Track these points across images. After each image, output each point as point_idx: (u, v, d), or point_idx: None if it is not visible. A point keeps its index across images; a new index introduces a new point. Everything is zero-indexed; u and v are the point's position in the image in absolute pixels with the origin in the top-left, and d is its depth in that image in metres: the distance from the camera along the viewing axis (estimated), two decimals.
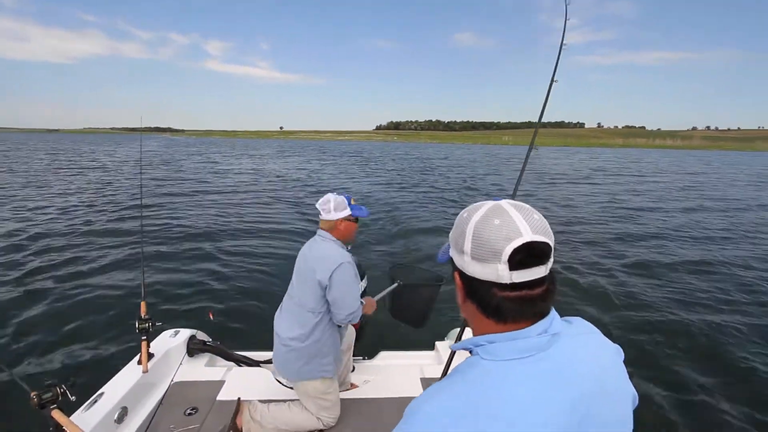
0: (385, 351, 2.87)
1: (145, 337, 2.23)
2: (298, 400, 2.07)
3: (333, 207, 1.94)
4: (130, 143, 62.65)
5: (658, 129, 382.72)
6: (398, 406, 2.21)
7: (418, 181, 18.62)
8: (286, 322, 1.98)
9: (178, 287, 5.10)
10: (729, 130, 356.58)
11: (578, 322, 0.71)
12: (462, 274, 0.66)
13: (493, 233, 0.59)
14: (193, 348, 2.60)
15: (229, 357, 2.65)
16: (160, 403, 2.17)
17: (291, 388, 2.23)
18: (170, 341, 2.57)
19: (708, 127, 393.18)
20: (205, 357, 2.66)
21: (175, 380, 2.37)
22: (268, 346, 2.22)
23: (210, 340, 2.78)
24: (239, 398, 2.17)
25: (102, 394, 2.01)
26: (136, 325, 2.20)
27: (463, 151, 73.71)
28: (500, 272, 0.59)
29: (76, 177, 16.50)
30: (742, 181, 22.37)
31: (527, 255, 0.58)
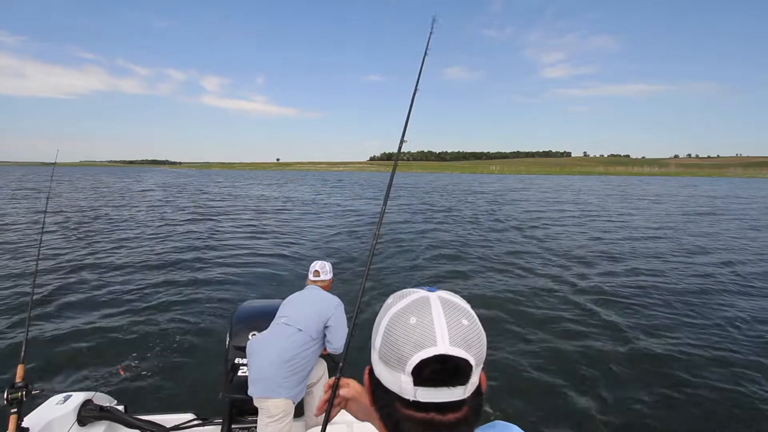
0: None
1: (15, 410, 1.80)
2: None
3: (329, 270, 2.65)
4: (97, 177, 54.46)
5: (642, 157, 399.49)
6: None
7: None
8: (274, 343, 2.18)
9: (79, 339, 4.36)
10: (708, 157, 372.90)
11: None
12: (371, 373, 0.56)
13: (403, 335, 0.49)
14: (87, 415, 2.17)
15: (131, 424, 2.24)
16: None
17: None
18: (55, 410, 2.11)
19: (689, 155, 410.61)
20: (102, 426, 2.22)
21: None
22: (191, 406, 2.17)
23: (111, 403, 2.36)
24: None
25: None
26: (5, 396, 1.78)
27: (437, 177, 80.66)
28: (403, 384, 0.48)
29: None
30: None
31: (438, 371, 0.47)
